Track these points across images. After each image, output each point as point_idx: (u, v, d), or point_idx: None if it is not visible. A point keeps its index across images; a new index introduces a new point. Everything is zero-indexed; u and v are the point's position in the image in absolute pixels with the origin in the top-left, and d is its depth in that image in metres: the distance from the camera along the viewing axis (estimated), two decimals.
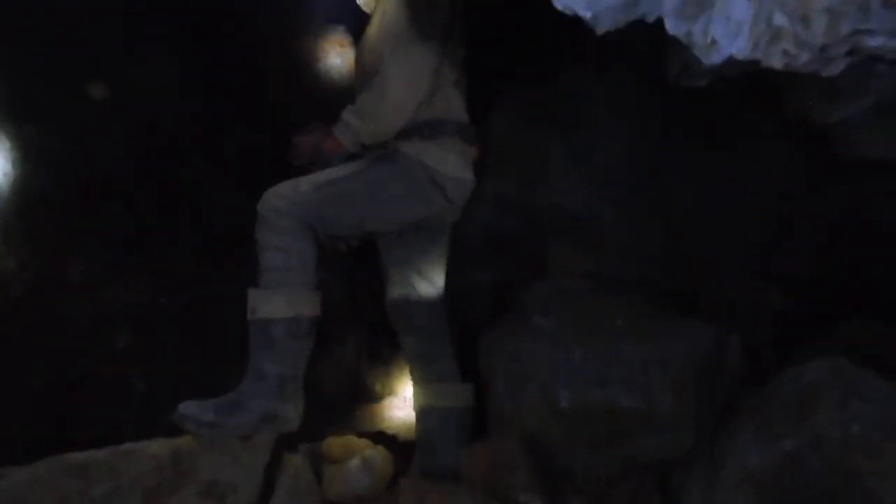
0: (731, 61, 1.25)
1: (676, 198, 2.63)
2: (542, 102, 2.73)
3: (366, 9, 1.96)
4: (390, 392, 2.34)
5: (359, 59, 1.95)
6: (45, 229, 2.22)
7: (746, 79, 1.67)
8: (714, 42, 1.19)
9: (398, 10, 1.79)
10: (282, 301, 1.70)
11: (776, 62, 1.23)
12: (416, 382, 1.99)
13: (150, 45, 2.34)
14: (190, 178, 2.42)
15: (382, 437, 2.09)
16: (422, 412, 1.96)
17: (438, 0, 1.82)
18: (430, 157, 1.79)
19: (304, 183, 1.76)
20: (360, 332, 2.40)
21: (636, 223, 2.67)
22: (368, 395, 2.34)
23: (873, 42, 1.15)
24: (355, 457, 1.85)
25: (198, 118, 2.45)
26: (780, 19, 1.18)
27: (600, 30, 1.13)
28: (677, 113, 2.50)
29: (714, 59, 1.21)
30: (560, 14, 1.20)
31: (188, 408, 1.67)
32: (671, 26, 1.18)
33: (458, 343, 2.11)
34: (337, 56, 2.85)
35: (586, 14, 1.09)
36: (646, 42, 1.68)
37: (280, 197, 1.73)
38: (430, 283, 2.00)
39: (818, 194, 2.54)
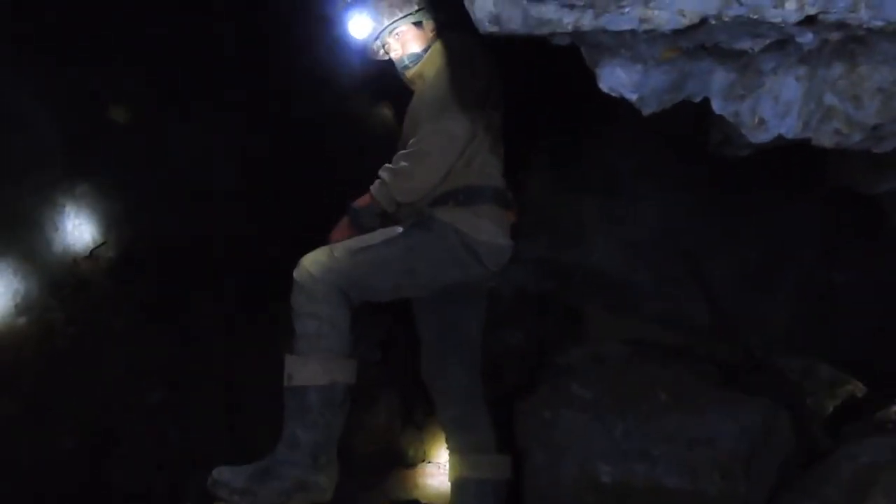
0: (779, 139, 1.24)
1: (716, 263, 2.59)
2: (577, 165, 2.75)
3: (411, 86, 2.02)
4: (424, 458, 2.29)
5: (403, 131, 2.00)
6: (92, 284, 2.28)
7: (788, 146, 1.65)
8: (763, 122, 1.18)
9: (438, 79, 1.84)
10: (317, 368, 1.69)
11: (827, 141, 1.21)
12: (453, 451, 1.94)
13: (199, 122, 2.43)
14: (232, 239, 2.47)
15: None
16: (457, 483, 1.90)
17: (477, 70, 1.86)
18: (464, 224, 1.79)
19: (339, 249, 1.77)
20: (394, 396, 2.38)
21: (674, 288, 2.63)
22: (402, 461, 2.29)
23: None
24: None
25: (240, 180, 2.53)
26: (830, 99, 1.17)
27: (647, 111, 1.14)
28: (715, 177, 2.48)
29: (762, 137, 1.20)
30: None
31: (222, 473, 1.64)
32: (718, 107, 1.18)
33: (492, 410, 2.07)
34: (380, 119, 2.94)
35: (632, 96, 1.10)
36: (684, 109, 1.69)
37: (315, 263, 1.74)
38: (467, 349, 1.97)
39: (864, 260, 2.47)
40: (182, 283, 2.38)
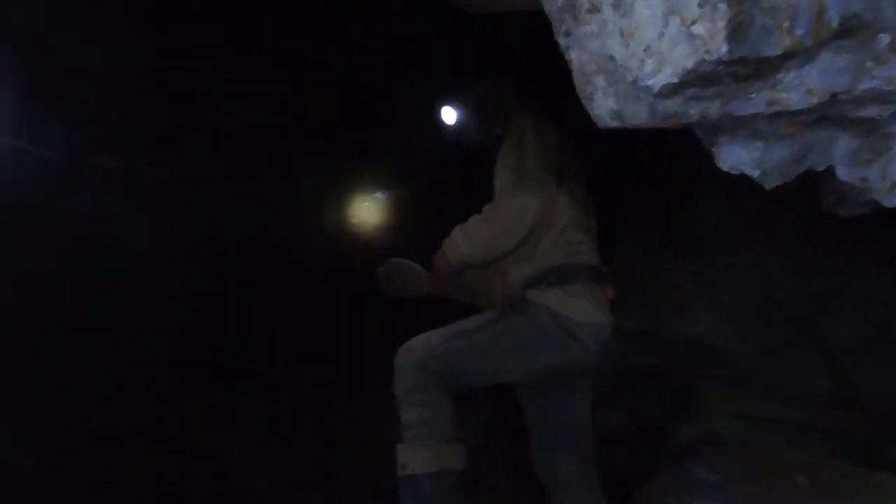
0: None
1: (832, 327, 2.41)
2: (670, 229, 2.68)
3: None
4: None
5: None
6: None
7: None
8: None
9: (509, 154, 1.86)
10: (427, 456, 1.67)
11: None
12: None
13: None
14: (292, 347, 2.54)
15: None
16: None
17: (548, 143, 1.87)
18: (558, 305, 1.75)
19: (435, 336, 1.77)
20: (500, 479, 2.30)
21: (788, 357, 2.45)
22: None
23: None
24: None
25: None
26: None
27: (769, 186, 1.11)
28: (822, 233, 2.35)
29: None
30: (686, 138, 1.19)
31: None
32: (844, 174, 1.14)
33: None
34: None
35: (754, 173, 1.08)
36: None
37: (412, 351, 1.75)
38: (576, 434, 1.89)
39: None
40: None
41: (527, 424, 1.96)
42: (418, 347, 1.75)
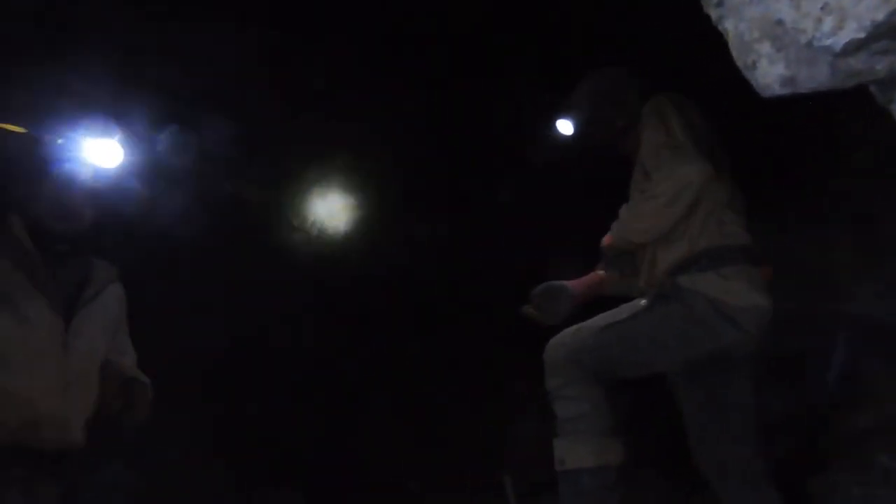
0: None
1: None
2: (819, 199, 2.47)
3: (625, 152, 2.01)
4: None
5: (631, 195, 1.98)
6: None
7: None
8: None
9: (656, 130, 1.79)
10: (586, 450, 1.65)
11: None
12: None
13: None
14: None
15: None
16: None
17: (695, 120, 1.80)
18: (711, 289, 1.68)
19: (585, 329, 1.76)
20: (651, 472, 2.24)
21: None
22: None
23: None
24: None
25: None
26: None
27: None
28: None
29: None
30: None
31: None
32: None
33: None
34: None
35: None
36: None
37: (562, 346, 1.74)
38: (737, 420, 1.78)
39: None
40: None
41: (683, 414, 1.89)
42: (568, 341, 1.75)
